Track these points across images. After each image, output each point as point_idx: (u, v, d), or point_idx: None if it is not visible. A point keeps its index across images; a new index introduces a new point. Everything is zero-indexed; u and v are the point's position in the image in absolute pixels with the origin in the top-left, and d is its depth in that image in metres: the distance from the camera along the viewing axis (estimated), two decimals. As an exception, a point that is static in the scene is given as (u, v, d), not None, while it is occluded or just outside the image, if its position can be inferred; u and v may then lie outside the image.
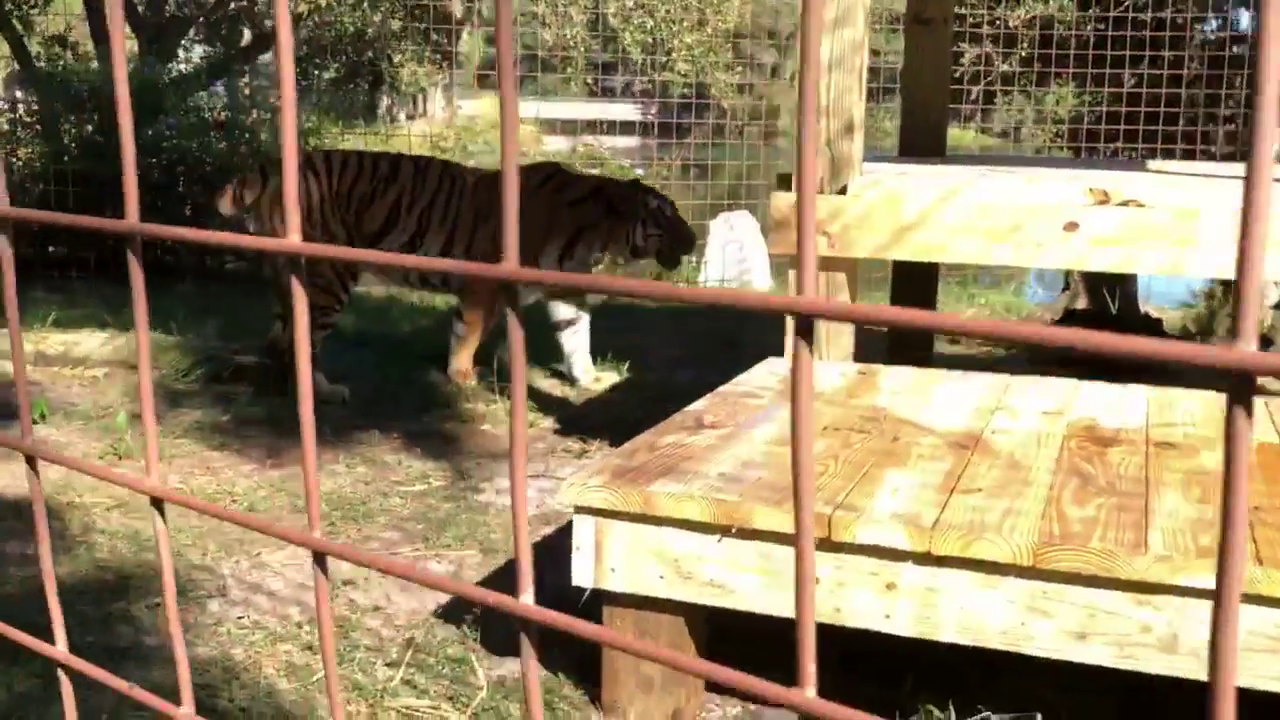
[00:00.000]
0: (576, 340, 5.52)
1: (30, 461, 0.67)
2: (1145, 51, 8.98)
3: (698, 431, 2.90)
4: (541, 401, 5.28)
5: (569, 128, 12.50)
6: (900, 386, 3.44)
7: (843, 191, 3.64)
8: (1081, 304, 6.47)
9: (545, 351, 6.01)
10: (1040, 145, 13.00)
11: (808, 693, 0.44)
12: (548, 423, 5.02)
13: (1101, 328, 6.06)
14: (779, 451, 2.74)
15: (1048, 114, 13.39)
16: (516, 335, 0.49)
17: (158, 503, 0.62)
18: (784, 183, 3.81)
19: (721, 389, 3.37)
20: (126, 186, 0.59)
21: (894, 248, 3.60)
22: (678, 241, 5.29)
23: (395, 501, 4.03)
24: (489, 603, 0.50)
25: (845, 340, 3.76)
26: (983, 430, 2.98)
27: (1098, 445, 2.86)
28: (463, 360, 5.43)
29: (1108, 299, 6.34)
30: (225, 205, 5.20)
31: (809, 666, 0.45)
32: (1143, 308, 6.67)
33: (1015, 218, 3.46)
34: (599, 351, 6.11)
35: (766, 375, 3.54)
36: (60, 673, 0.70)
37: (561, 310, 5.51)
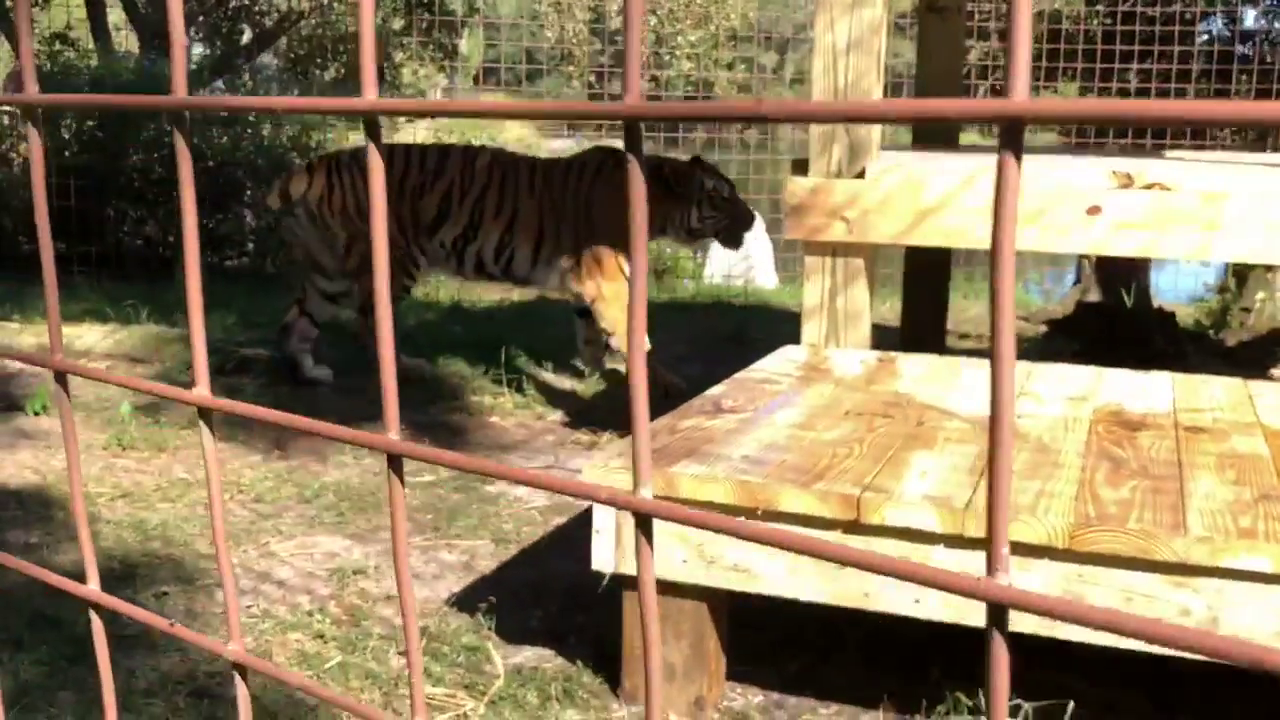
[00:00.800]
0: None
1: (60, 379, 0.61)
2: (1153, 47, 8.94)
3: (717, 415, 2.84)
4: (549, 394, 5.23)
5: (572, 128, 12.47)
6: (920, 373, 3.39)
7: (861, 175, 3.59)
8: (1094, 297, 6.41)
9: (552, 345, 5.95)
10: (1048, 144, 12.96)
11: (999, 579, 0.39)
12: (556, 415, 4.97)
13: (1115, 321, 6.01)
14: (802, 435, 2.69)
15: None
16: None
17: (205, 413, 0.56)
18: (799, 168, 3.76)
19: (738, 375, 3.32)
20: (175, 66, 0.54)
21: (914, 233, 3.55)
22: (736, 222, 5.11)
23: (406, 491, 3.97)
24: (600, 498, 0.44)
25: (863, 329, 3.71)
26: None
27: (1126, 430, 2.81)
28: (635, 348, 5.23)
29: (1122, 292, 6.28)
30: (273, 200, 5.25)
31: (1000, 549, 0.39)
32: (1156, 301, 6.62)
33: (1039, 202, 3.41)
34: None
35: (784, 362, 3.49)
36: (91, 613, 0.65)
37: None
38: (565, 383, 5.51)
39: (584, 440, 4.60)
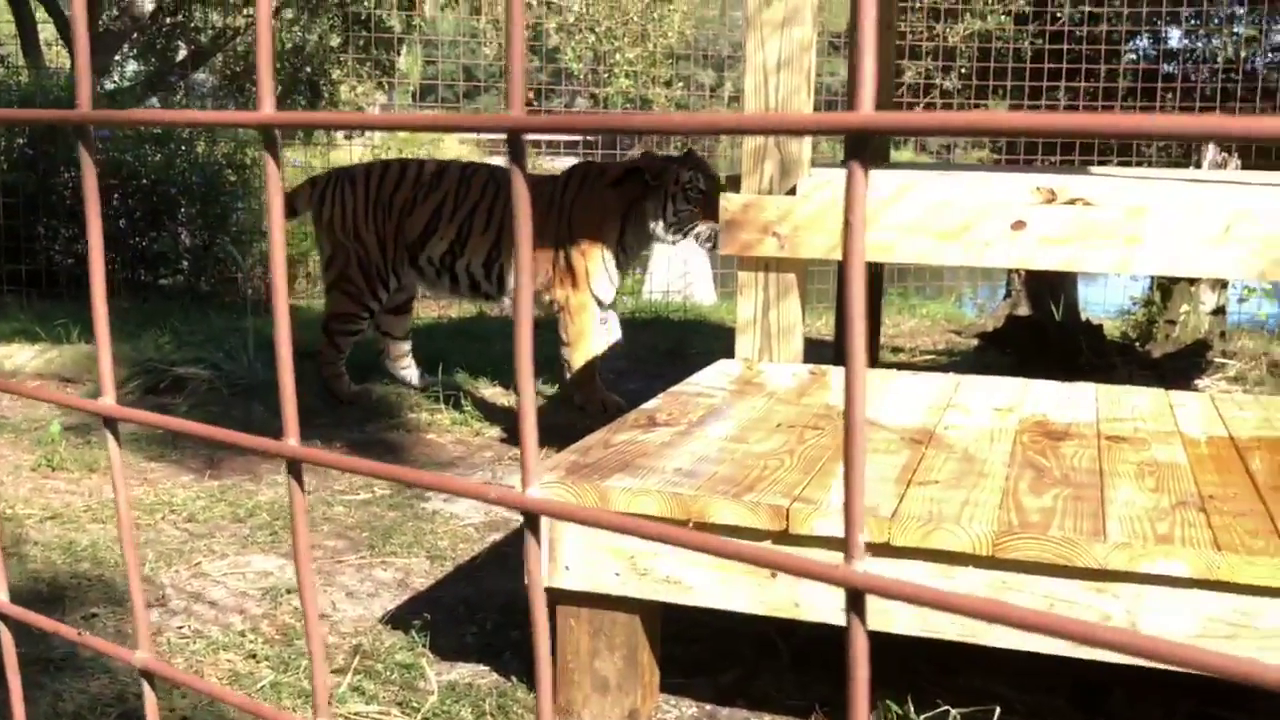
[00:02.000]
0: (607, 340, 5.36)
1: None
2: (1080, 65, 9.14)
3: (652, 429, 2.86)
4: (486, 411, 5.23)
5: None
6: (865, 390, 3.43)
7: (792, 192, 3.64)
8: (1024, 311, 6.53)
9: (491, 361, 5.95)
10: (977, 161, 13.17)
11: (857, 566, 0.41)
12: (494, 431, 4.97)
13: (1044, 334, 6.12)
14: (734, 448, 2.71)
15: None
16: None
17: (111, 423, 0.57)
18: (733, 185, 3.80)
19: (674, 389, 3.35)
20: (80, 79, 0.55)
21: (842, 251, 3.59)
22: (711, 219, 4.86)
23: (339, 510, 3.96)
24: (489, 498, 0.46)
25: (795, 343, 3.75)
26: (935, 426, 2.98)
27: (1050, 439, 2.87)
28: (584, 377, 5.07)
29: (1051, 306, 6.40)
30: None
31: (856, 536, 0.41)
32: (1084, 314, 6.74)
33: (964, 217, 3.48)
34: (540, 364, 6.06)
35: (718, 375, 3.52)
36: (1, 625, 0.65)
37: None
38: (504, 399, 5.50)
39: (515, 458, 4.60)
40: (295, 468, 0.53)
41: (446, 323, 7.37)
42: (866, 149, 0.38)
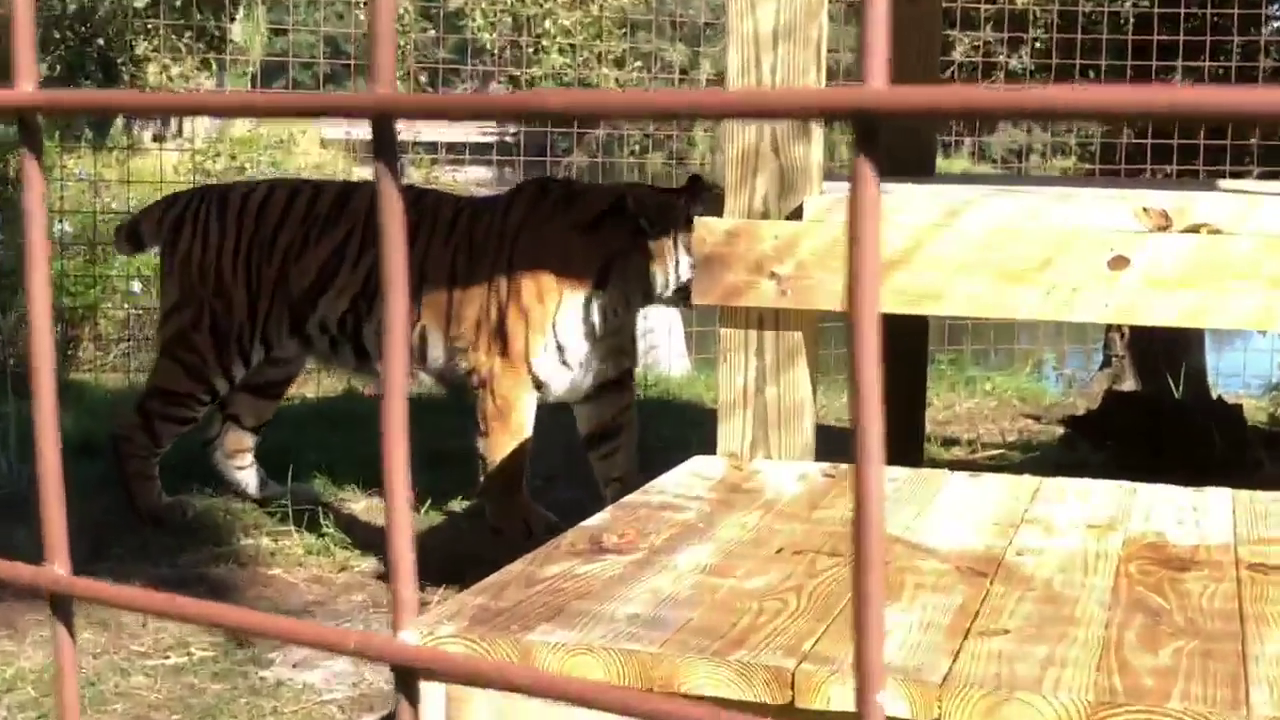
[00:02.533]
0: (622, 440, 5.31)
1: None
2: (1205, 38, 9.33)
3: (597, 557, 2.86)
4: (357, 533, 5.21)
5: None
6: (886, 492, 3.43)
7: (797, 215, 3.67)
8: (1128, 385, 6.59)
9: (363, 458, 5.93)
10: (1064, 174, 13.37)
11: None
12: (368, 564, 4.95)
13: (1158, 418, 6.18)
14: (716, 584, 2.71)
15: (1070, 132, 13.78)
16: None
17: None
18: (712, 207, 3.84)
19: (628, 499, 3.35)
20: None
21: (871, 295, 3.62)
22: None
23: (139, 680, 3.92)
24: (348, 648, 0.46)
25: (803, 431, 3.77)
26: (1005, 550, 2.99)
27: (1169, 569, 2.89)
28: (502, 486, 5.08)
29: (1167, 378, 6.47)
30: (122, 244, 5.60)
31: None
32: (1215, 390, 6.82)
33: (1042, 250, 3.52)
34: (443, 460, 6.04)
35: (691, 479, 3.53)
36: None
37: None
38: (381, 519, 5.47)
39: (408, 599, 4.58)
40: (62, 606, 0.53)
41: (300, 404, 7.34)
42: (878, 137, 0.39)
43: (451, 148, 12.77)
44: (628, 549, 2.93)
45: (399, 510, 0.47)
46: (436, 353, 5.15)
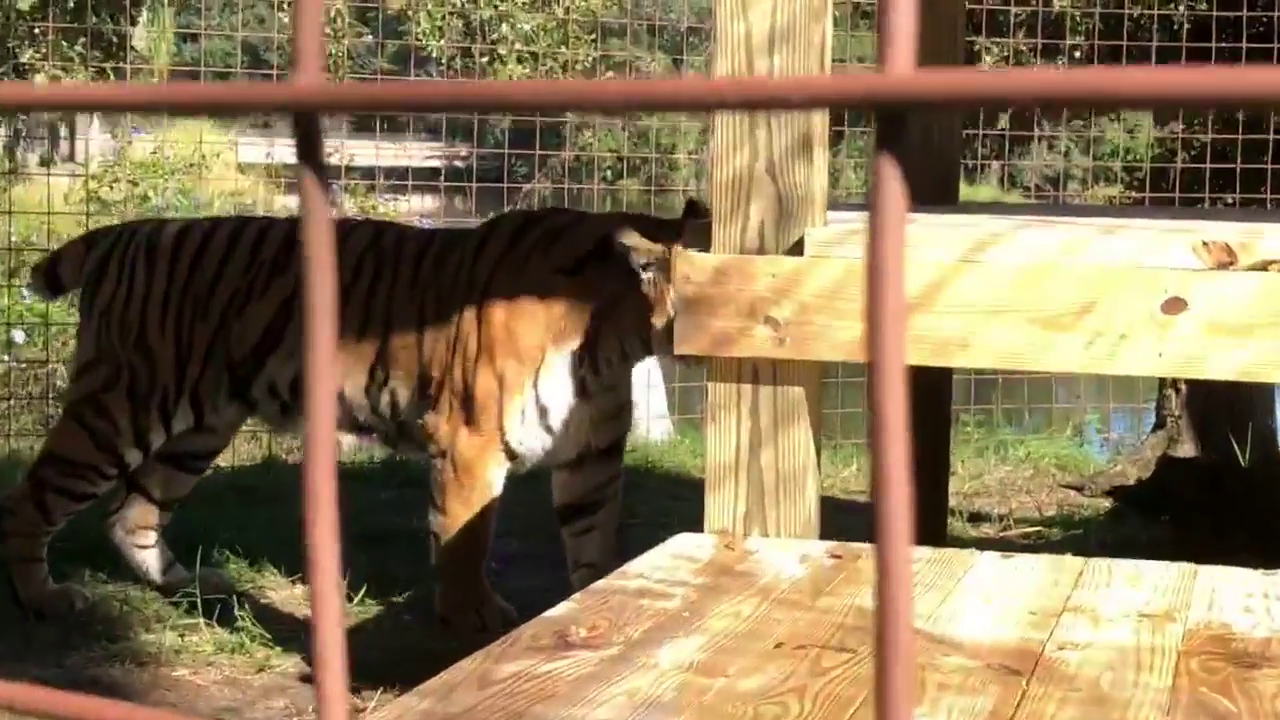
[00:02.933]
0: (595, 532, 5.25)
1: None
2: (1273, 45, 9.39)
3: (562, 654, 2.84)
4: (279, 626, 5.16)
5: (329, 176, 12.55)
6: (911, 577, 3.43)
7: (798, 249, 3.67)
8: (1186, 450, 6.59)
9: (286, 538, 5.90)
10: (1108, 203, 13.42)
11: None
12: (290, 663, 4.91)
13: (1220, 488, 6.18)
14: (705, 685, 2.69)
15: (1114, 152, 13.85)
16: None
17: None
18: (697, 238, 3.84)
19: (599, 585, 3.34)
20: None
21: (884, 344, 3.62)
22: None
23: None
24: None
25: (805, 504, 3.76)
26: (1044, 644, 2.98)
27: (1237, 666, 2.88)
28: (457, 570, 5.02)
29: (1232, 442, 6.47)
30: (38, 282, 5.61)
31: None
32: (1286, 455, 6.81)
33: (1084, 292, 3.52)
34: (380, 540, 6.01)
35: (675, 560, 3.51)
36: None
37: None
38: (308, 605, 5.44)
39: (339, 704, 4.54)
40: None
41: (213, 474, 7.29)
42: (904, 132, 0.38)
43: (392, 174, 12.78)
44: (599, 643, 2.91)
45: (326, 593, 0.45)
46: (413, 419, 5.07)
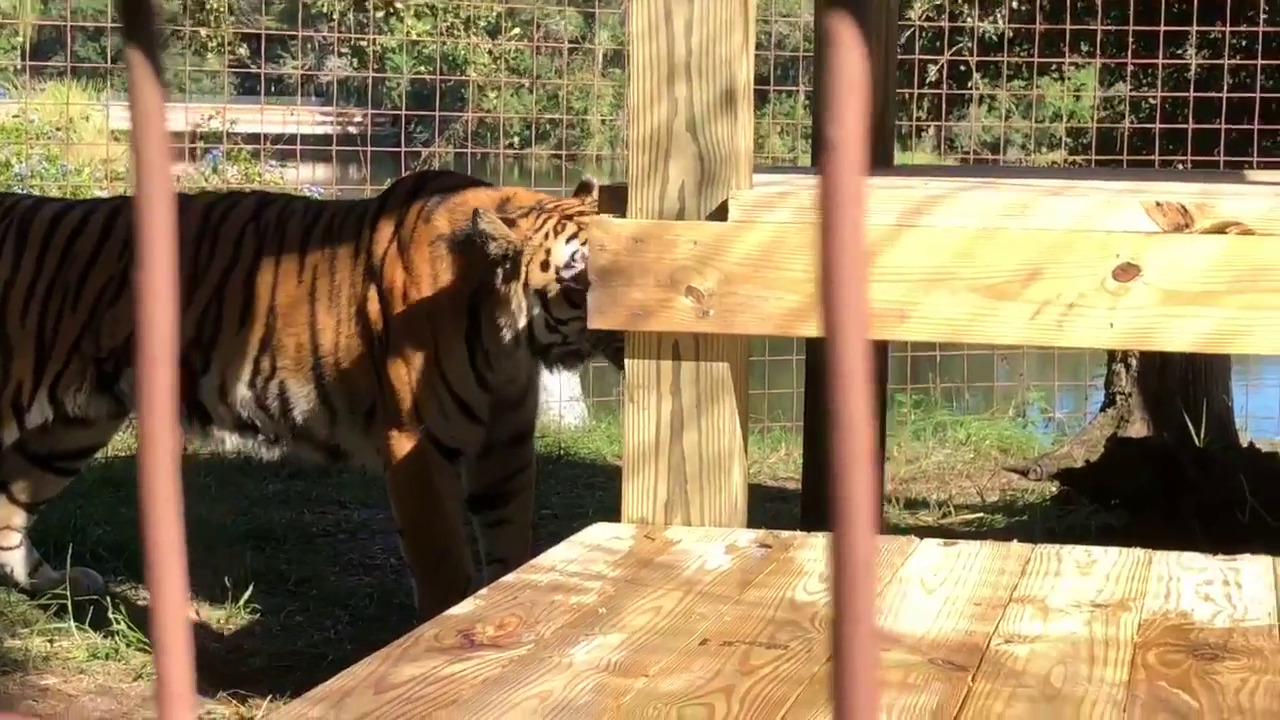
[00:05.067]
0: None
1: None
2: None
3: (468, 654, 2.83)
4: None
5: (209, 142, 12.40)
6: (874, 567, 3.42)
7: (721, 214, 3.65)
8: (1138, 430, 6.62)
9: (138, 530, 5.83)
10: (1052, 162, 13.47)
11: None
12: (171, 669, 4.84)
13: (1175, 471, 6.20)
14: (624, 686, 2.68)
15: (1057, 115, 13.93)
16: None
17: None
18: (613, 202, 3.81)
19: (507, 579, 3.34)
20: None
21: (814, 317, 3.60)
22: None
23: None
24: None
25: (731, 490, 3.74)
26: (989, 637, 2.98)
27: (1197, 658, 2.89)
28: (438, 589, 4.73)
29: (1185, 421, 6.50)
30: None
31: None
32: (1243, 436, 6.86)
33: (1030, 257, 3.52)
34: (268, 537, 5.97)
35: (590, 552, 3.51)
36: None
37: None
38: (193, 606, 5.37)
39: (223, 716, 4.50)
40: None
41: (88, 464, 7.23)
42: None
43: (278, 139, 12.66)
44: (508, 643, 2.89)
45: (164, 575, 0.42)
46: (308, 417, 4.97)
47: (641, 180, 3.71)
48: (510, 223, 4.65)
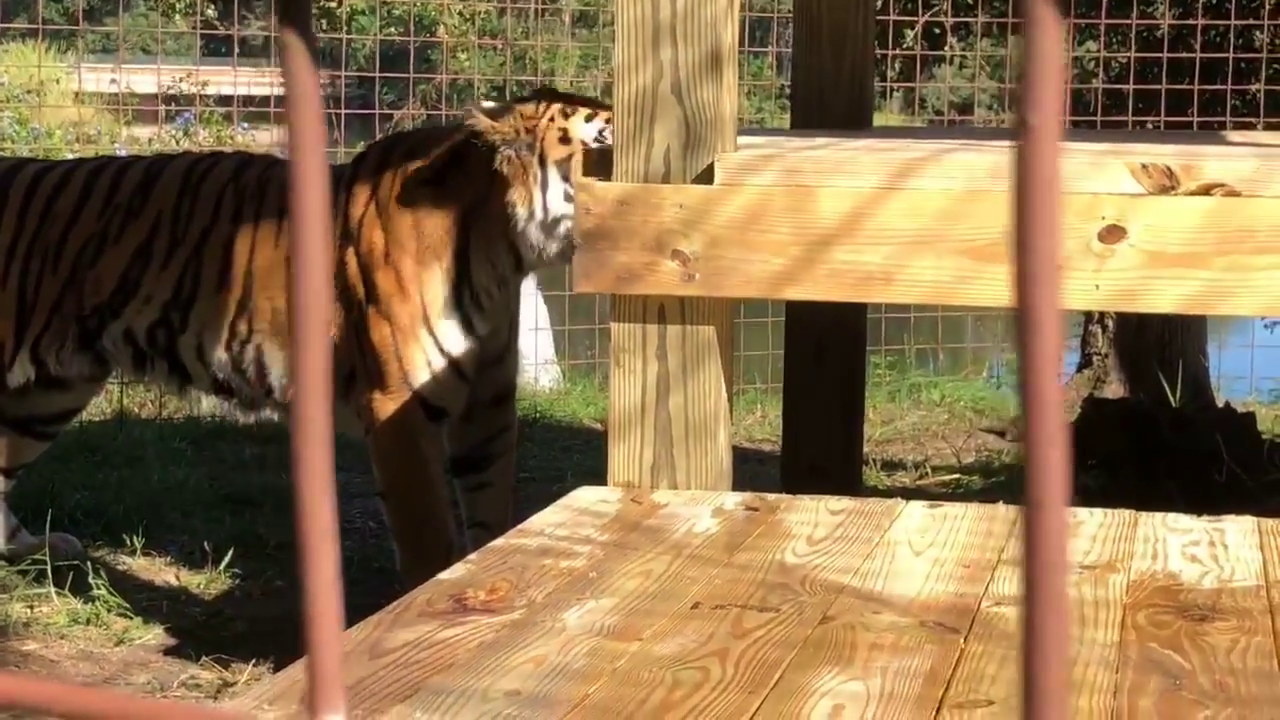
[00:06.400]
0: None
1: None
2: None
3: (461, 619, 2.82)
4: (138, 594, 5.12)
5: (180, 105, 12.33)
6: (823, 529, 3.43)
7: (707, 177, 3.65)
8: (1114, 390, 6.64)
9: (146, 498, 5.84)
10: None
11: None
12: (151, 635, 4.87)
13: (1152, 431, 6.23)
14: (617, 649, 2.68)
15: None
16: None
17: None
18: (598, 164, 3.80)
19: (496, 544, 3.33)
20: None
21: (802, 279, 3.61)
22: None
23: None
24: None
25: (718, 452, 3.75)
26: (979, 599, 2.99)
27: (1186, 619, 2.90)
28: (420, 555, 4.71)
29: (1161, 381, 6.53)
30: None
31: None
32: (1219, 397, 6.89)
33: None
34: (244, 502, 5.96)
35: (578, 516, 3.51)
36: None
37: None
38: (173, 571, 5.38)
39: (206, 680, 4.50)
40: None
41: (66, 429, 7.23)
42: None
43: (250, 101, 12.58)
44: (500, 607, 2.89)
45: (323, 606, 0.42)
46: (283, 380, 4.92)
47: (627, 143, 3.70)
48: (506, 111, 4.76)
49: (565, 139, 4.67)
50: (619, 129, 3.73)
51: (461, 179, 4.76)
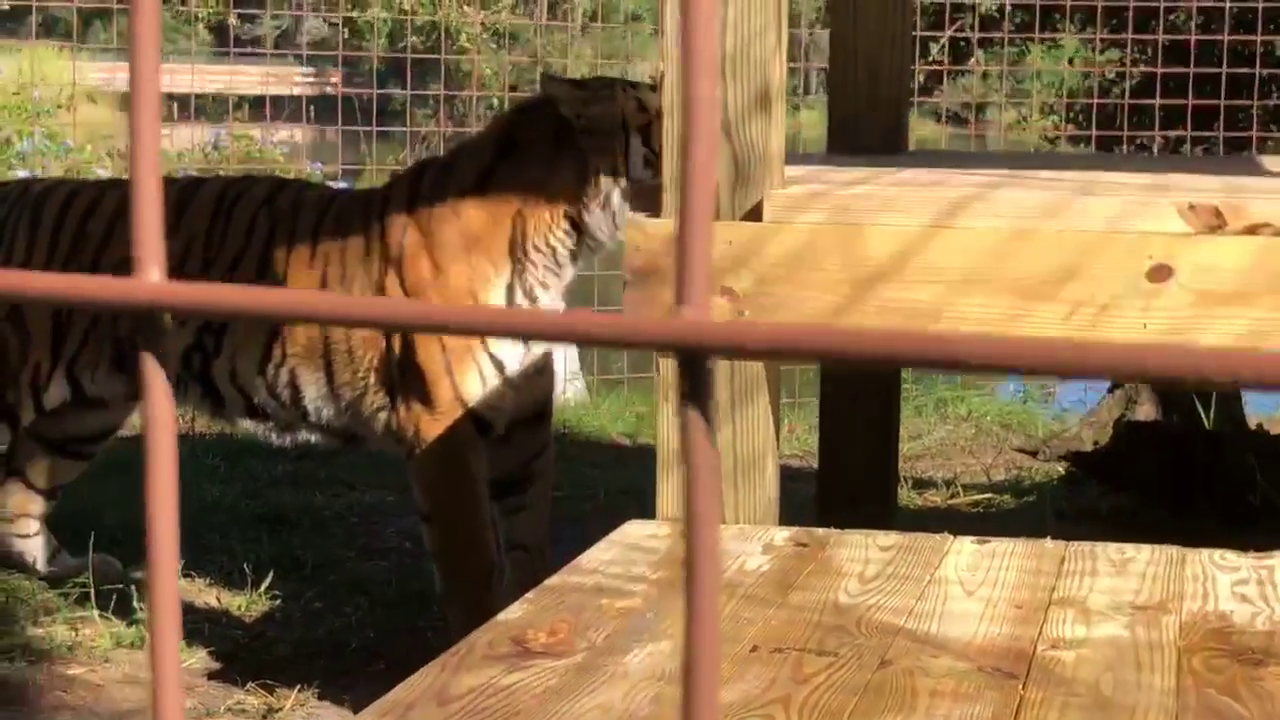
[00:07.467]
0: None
1: None
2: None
3: (524, 663, 2.85)
4: (187, 616, 5.10)
5: (184, 108, 12.27)
6: (875, 567, 3.45)
7: (756, 214, 3.68)
8: (1146, 414, 6.64)
9: (194, 518, 5.85)
10: (1036, 140, 13.47)
11: None
12: (197, 658, 4.88)
13: (1186, 455, 6.23)
14: (676, 695, 2.68)
15: (1060, 96, 13.92)
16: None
17: None
18: (645, 201, 3.83)
19: (552, 582, 3.35)
20: None
21: (851, 316, 3.63)
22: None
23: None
24: None
25: (765, 486, 3.78)
26: (1034, 642, 3.01)
27: (1241, 663, 2.92)
28: (466, 606, 4.63)
29: (1195, 404, 6.53)
30: None
31: None
32: (1251, 419, 6.88)
33: (1065, 257, 3.55)
34: (284, 523, 5.98)
35: (629, 552, 3.53)
36: None
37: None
38: (213, 593, 5.40)
39: (252, 706, 4.51)
40: None
41: (106, 450, 7.23)
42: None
43: (258, 103, 12.51)
44: (562, 650, 2.91)
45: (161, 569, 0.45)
46: (319, 403, 4.93)
47: (675, 180, 3.73)
48: (580, 84, 4.98)
49: (642, 107, 4.76)
50: (668, 166, 3.76)
51: (511, 170, 4.78)
